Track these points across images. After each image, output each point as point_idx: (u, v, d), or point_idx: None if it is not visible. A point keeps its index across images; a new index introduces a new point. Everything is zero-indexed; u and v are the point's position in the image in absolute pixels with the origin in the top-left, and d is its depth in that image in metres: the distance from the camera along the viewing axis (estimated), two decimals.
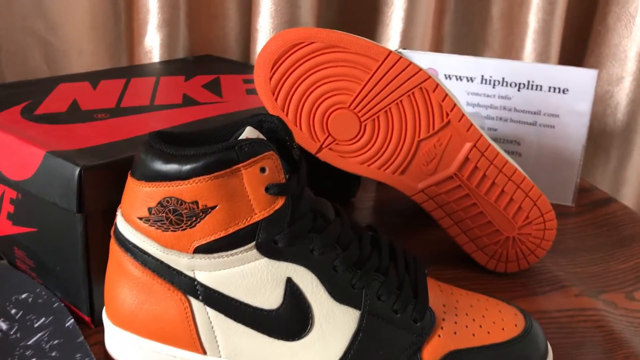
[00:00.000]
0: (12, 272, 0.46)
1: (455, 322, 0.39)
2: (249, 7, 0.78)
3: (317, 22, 0.78)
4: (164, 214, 0.36)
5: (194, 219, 0.36)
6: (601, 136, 0.85)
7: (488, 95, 0.67)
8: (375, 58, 0.45)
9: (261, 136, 0.38)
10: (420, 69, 0.46)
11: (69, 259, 0.42)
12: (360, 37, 0.46)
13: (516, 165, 0.49)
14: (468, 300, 0.41)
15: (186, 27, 0.76)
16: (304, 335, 0.37)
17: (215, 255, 0.36)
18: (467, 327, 0.39)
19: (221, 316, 0.37)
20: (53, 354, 0.39)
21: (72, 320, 0.41)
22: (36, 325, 0.41)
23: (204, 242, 0.36)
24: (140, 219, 0.36)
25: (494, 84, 0.66)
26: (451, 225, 0.50)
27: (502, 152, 0.49)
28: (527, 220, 0.50)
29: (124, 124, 0.48)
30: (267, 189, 0.36)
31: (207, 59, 0.74)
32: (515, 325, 0.40)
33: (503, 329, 0.39)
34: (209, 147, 0.36)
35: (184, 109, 0.53)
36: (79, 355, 0.39)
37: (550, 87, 0.65)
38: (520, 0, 0.81)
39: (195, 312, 0.37)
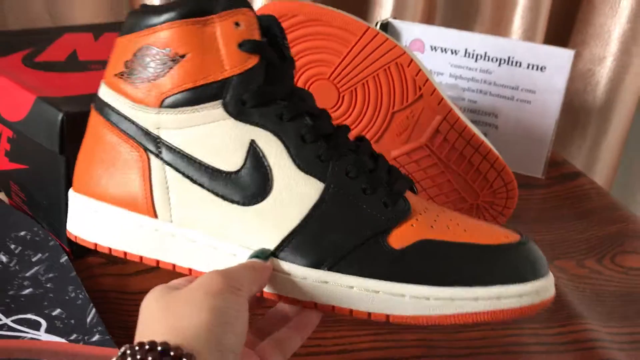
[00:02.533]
0: (12, 211, 0.50)
1: (435, 220, 0.37)
2: None
3: None
4: (137, 65, 0.36)
5: (164, 67, 0.36)
6: (580, 112, 0.88)
7: (470, 69, 0.70)
8: (354, 33, 0.48)
9: None
10: (396, 45, 0.49)
11: (53, 194, 0.47)
12: (341, 11, 0.49)
13: (483, 138, 0.53)
14: (460, 216, 0.38)
15: None
16: (260, 201, 0.36)
17: (182, 109, 0.36)
18: (448, 227, 0.36)
19: (178, 176, 0.36)
20: (48, 285, 0.43)
21: (66, 257, 0.46)
22: (33, 259, 0.46)
23: (171, 94, 0.36)
24: (116, 75, 0.37)
25: (477, 58, 0.69)
26: (420, 192, 0.54)
27: (470, 125, 0.53)
28: (490, 189, 0.54)
29: None
30: (240, 45, 0.36)
31: None
32: (506, 237, 0.37)
33: (491, 236, 0.36)
34: None
35: None
36: (71, 287, 0.43)
37: (529, 64, 0.68)
38: None
39: (152, 170, 0.37)
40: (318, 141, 0.36)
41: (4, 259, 0.45)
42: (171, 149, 0.37)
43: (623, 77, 0.85)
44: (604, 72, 0.85)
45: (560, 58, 0.67)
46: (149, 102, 0.36)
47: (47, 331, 0.39)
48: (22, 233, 0.48)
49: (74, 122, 0.43)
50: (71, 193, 0.40)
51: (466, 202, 0.55)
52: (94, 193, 0.38)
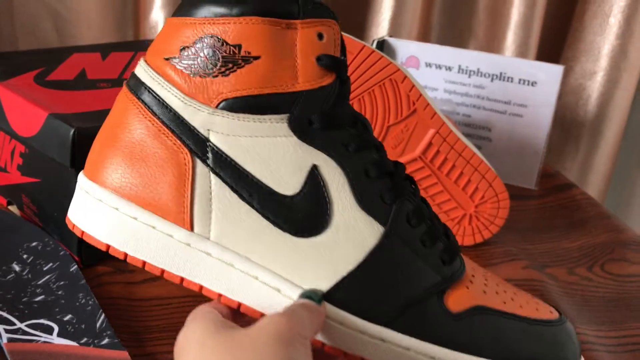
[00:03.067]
0: (24, 223, 0.52)
1: (485, 284, 0.35)
2: None
3: None
4: (197, 55, 0.32)
5: (230, 65, 0.32)
6: (572, 126, 0.91)
7: (464, 84, 0.72)
8: (350, 51, 0.50)
9: None
10: (390, 62, 0.51)
11: (64, 207, 0.48)
12: None
13: (475, 150, 0.55)
14: (499, 278, 0.37)
15: None
16: (316, 234, 0.32)
17: (241, 115, 0.32)
18: (497, 293, 0.35)
19: (226, 189, 0.32)
20: (59, 292, 0.45)
21: (76, 266, 0.48)
22: (45, 268, 0.48)
23: (233, 96, 0.32)
24: (168, 59, 0.33)
25: (470, 74, 0.72)
26: None
27: (462, 138, 0.55)
28: (483, 199, 0.56)
29: None
30: (319, 59, 0.32)
31: None
32: (550, 312, 0.36)
33: (537, 310, 0.36)
34: None
35: None
36: (81, 294, 0.45)
37: (520, 80, 0.70)
38: None
39: (197, 176, 0.32)
40: (382, 178, 0.33)
41: (18, 268, 0.47)
42: (221, 156, 0.32)
43: (613, 92, 0.87)
44: (595, 86, 0.87)
45: (550, 73, 0.69)
46: (202, 99, 0.32)
47: (59, 335, 0.41)
48: (34, 243, 0.50)
49: (84, 136, 0.46)
50: (81, 177, 0.35)
51: (460, 211, 0.57)
52: (111, 185, 0.33)
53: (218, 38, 0.32)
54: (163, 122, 0.33)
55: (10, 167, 0.53)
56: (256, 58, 0.32)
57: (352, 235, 0.32)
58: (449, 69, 0.72)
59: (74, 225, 0.35)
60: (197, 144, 0.32)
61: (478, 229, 0.58)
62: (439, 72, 0.72)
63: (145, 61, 0.34)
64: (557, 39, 0.92)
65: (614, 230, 0.65)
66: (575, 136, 0.91)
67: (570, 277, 0.57)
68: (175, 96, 0.32)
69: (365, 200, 0.33)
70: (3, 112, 0.51)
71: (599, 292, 0.55)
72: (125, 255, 0.33)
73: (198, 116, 0.32)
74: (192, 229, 0.33)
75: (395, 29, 0.85)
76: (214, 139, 0.32)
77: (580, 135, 0.91)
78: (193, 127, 0.32)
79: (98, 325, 0.43)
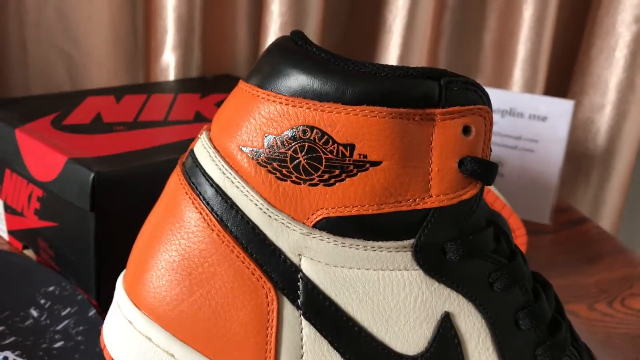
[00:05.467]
0: (40, 267, 0.52)
1: None
2: (258, 29, 0.84)
3: (320, 45, 0.84)
4: (290, 151, 0.23)
5: (337, 172, 0.23)
6: (582, 160, 0.91)
7: None
8: None
9: None
10: None
11: (83, 251, 0.49)
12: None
13: (490, 186, 0.55)
14: None
15: (200, 48, 0.82)
16: None
17: (347, 240, 0.23)
18: None
19: (323, 343, 0.23)
20: (79, 338, 0.45)
21: (95, 310, 0.47)
22: (63, 314, 0.47)
23: (338, 214, 0.23)
24: (245, 149, 0.23)
25: None
26: None
27: None
28: None
29: (138, 137, 0.54)
30: (461, 163, 0.23)
31: (225, 78, 0.80)
32: None
33: None
34: (396, 67, 0.23)
35: (194, 125, 0.59)
36: None
37: (530, 115, 0.71)
38: (511, 31, 0.88)
39: (284, 323, 0.23)
40: (537, 330, 0.25)
41: (35, 313, 0.47)
42: (317, 295, 0.23)
43: (622, 124, 0.87)
44: (604, 119, 0.88)
45: (561, 108, 0.69)
46: (294, 213, 0.23)
47: None
48: (51, 288, 0.49)
49: (104, 180, 0.46)
50: (119, 284, 0.28)
51: None
52: (157, 311, 0.24)
53: (321, 132, 0.22)
54: (235, 238, 0.23)
55: (27, 211, 0.53)
56: (375, 164, 0.23)
57: None
58: None
59: (104, 345, 0.27)
60: (285, 275, 0.23)
61: None
62: None
63: (210, 139, 0.24)
64: (564, 73, 0.93)
65: (631, 265, 0.65)
66: (585, 170, 0.91)
67: (591, 314, 0.56)
68: (255, 204, 0.23)
69: None
70: (21, 156, 0.51)
71: (622, 329, 0.55)
72: None
73: (287, 236, 0.23)
74: None
75: (404, 64, 0.86)
76: (308, 269, 0.23)
77: (591, 168, 0.91)
78: (280, 250, 0.23)
79: None
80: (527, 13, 0.85)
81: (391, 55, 0.87)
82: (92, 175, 0.46)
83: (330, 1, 0.85)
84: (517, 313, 0.25)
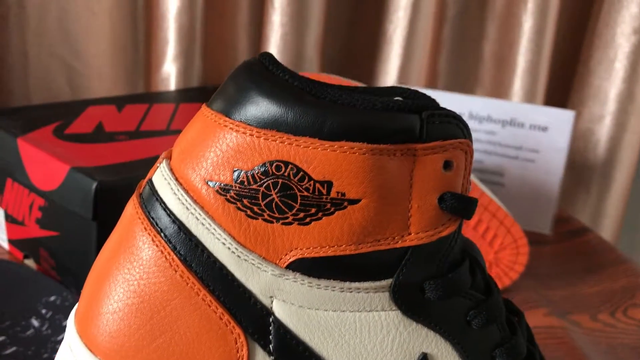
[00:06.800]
0: (41, 277, 0.52)
1: None
2: (258, 40, 0.85)
3: (321, 57, 0.85)
4: (262, 188, 0.21)
5: (313, 210, 0.21)
6: (582, 170, 0.91)
7: (475, 130, 0.73)
8: None
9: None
10: None
11: (84, 260, 0.48)
12: (342, 78, 0.52)
13: (492, 196, 0.55)
14: None
15: (200, 58, 0.83)
16: None
17: (322, 282, 0.22)
18: None
19: None
20: None
21: None
22: (64, 324, 0.47)
23: (312, 255, 0.21)
24: (212, 184, 0.21)
25: (481, 120, 0.72)
26: None
27: (478, 184, 0.55)
28: (501, 245, 0.56)
29: (140, 146, 0.54)
30: (441, 199, 0.22)
31: None
32: None
33: None
34: (375, 98, 0.21)
35: None
36: None
37: (531, 125, 0.71)
38: (510, 42, 0.88)
39: None
40: None
41: (37, 323, 0.47)
42: (290, 340, 0.22)
43: (622, 135, 0.88)
44: (603, 130, 0.88)
45: (561, 119, 0.70)
46: (265, 253, 0.22)
47: None
48: (52, 298, 0.49)
49: (106, 189, 0.46)
50: (70, 321, 0.24)
51: None
52: (114, 358, 0.21)
53: (297, 168, 0.21)
54: (201, 280, 0.21)
55: (28, 221, 0.53)
56: (354, 202, 0.21)
57: None
58: (460, 115, 0.73)
59: None
60: (255, 319, 0.22)
61: (498, 276, 0.57)
62: None
63: (170, 168, 0.22)
64: (563, 84, 0.93)
65: (632, 275, 0.65)
66: (585, 180, 0.91)
67: (593, 324, 0.56)
68: (223, 243, 0.21)
69: None
70: (23, 165, 0.51)
71: (625, 339, 0.54)
72: None
73: (257, 277, 0.22)
74: None
75: (404, 77, 0.86)
76: (280, 312, 0.22)
77: (591, 179, 0.91)
78: (250, 292, 0.22)
79: None
80: (527, 25, 0.85)
81: (391, 65, 0.87)
82: (94, 184, 0.46)
83: (330, 12, 0.86)
84: (494, 350, 0.24)
